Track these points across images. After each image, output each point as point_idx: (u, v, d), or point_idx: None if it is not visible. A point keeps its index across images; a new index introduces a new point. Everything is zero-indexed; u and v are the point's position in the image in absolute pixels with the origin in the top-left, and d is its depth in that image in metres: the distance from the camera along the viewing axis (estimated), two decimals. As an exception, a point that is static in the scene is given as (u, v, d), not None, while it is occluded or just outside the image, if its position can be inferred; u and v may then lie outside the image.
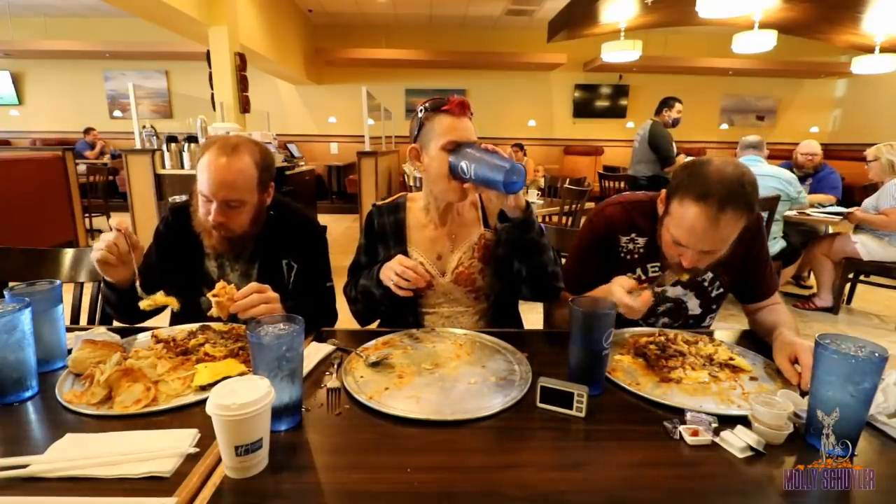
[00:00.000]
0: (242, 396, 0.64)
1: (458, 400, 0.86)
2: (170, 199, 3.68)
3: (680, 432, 0.76)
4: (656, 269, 1.23)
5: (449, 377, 0.94)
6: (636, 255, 1.24)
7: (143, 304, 1.07)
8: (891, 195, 3.10)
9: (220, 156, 1.13)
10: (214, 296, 1.02)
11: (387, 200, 1.36)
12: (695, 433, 0.75)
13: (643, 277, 0.97)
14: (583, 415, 0.81)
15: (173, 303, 1.10)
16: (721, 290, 1.26)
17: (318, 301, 1.29)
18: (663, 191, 1.13)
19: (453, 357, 1.02)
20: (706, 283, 1.25)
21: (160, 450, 0.69)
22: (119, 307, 1.21)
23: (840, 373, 0.70)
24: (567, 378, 0.87)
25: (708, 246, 1.03)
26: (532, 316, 1.55)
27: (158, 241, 1.32)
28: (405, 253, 1.27)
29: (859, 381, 0.69)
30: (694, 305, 1.27)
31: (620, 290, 1.00)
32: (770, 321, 1.15)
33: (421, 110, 1.18)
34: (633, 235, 1.24)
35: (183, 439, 0.72)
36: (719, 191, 0.97)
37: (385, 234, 1.31)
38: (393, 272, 1.10)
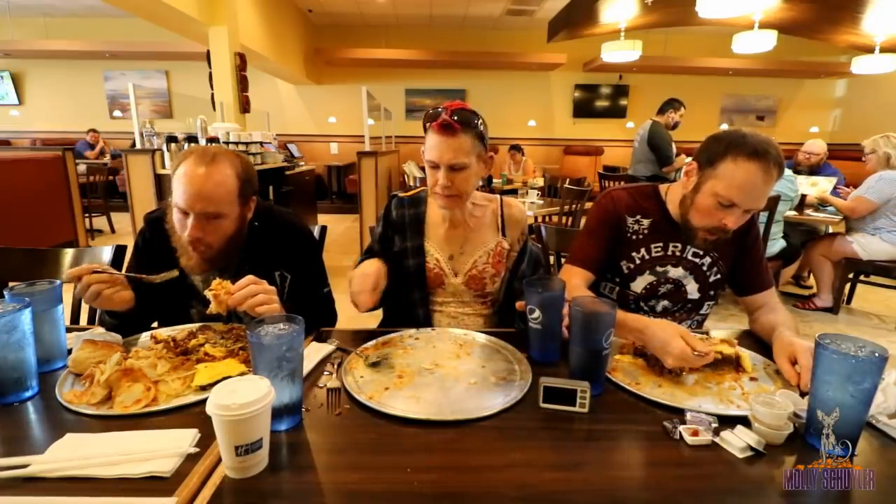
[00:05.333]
0: (242, 396, 0.64)
1: (458, 400, 0.85)
2: (169, 199, 3.67)
3: (680, 432, 0.76)
4: (658, 248, 1.28)
5: (449, 377, 0.93)
6: (641, 236, 1.29)
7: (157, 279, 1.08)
8: (867, 185, 3.11)
9: (198, 165, 1.06)
10: (211, 290, 1.01)
11: (409, 192, 1.36)
12: (695, 433, 0.75)
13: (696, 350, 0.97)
14: (586, 410, 0.81)
15: (173, 273, 1.11)
16: (718, 276, 1.30)
17: (316, 308, 1.24)
18: (692, 162, 1.18)
19: (453, 357, 1.02)
20: (705, 268, 1.29)
21: (160, 450, 0.69)
22: (123, 327, 1.14)
23: (840, 373, 0.70)
24: (568, 378, 0.87)
25: (758, 202, 1.10)
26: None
27: (139, 257, 1.24)
28: (422, 246, 1.29)
29: (859, 381, 0.69)
30: (693, 289, 1.31)
31: (683, 345, 0.91)
32: (769, 321, 1.15)
33: (424, 118, 1.21)
34: (638, 217, 1.29)
35: (183, 439, 0.72)
36: (768, 149, 1.05)
37: (403, 226, 1.31)
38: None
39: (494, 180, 5.53)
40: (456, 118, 1.14)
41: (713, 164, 1.11)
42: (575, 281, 1.25)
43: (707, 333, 1.16)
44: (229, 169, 1.09)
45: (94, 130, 7.51)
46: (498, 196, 1.39)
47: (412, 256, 1.30)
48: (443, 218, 1.32)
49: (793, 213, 3.46)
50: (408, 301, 1.31)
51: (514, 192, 5.64)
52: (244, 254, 1.21)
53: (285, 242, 1.25)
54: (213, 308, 1.00)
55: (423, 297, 1.31)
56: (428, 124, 1.18)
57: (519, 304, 1.10)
